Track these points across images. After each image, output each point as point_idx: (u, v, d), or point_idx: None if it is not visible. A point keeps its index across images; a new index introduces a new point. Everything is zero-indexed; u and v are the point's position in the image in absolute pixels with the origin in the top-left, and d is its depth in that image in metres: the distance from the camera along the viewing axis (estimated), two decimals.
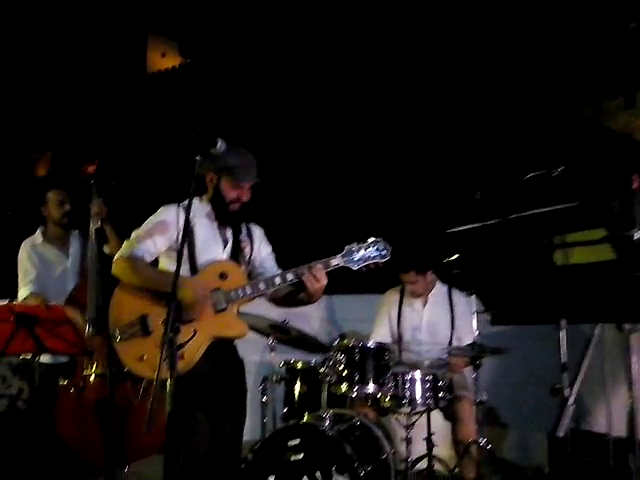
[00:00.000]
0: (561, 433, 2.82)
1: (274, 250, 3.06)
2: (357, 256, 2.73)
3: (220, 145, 2.51)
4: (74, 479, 4.09)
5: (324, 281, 2.71)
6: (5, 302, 3.12)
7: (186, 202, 2.81)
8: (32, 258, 4.04)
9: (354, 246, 2.74)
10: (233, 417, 2.83)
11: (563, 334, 2.89)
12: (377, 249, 2.74)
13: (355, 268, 2.74)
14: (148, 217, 2.87)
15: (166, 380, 2.23)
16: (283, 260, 3.00)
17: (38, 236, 4.12)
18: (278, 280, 2.74)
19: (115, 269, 2.75)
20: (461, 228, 2.48)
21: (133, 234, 2.84)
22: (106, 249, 4.01)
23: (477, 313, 2.89)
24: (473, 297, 3.56)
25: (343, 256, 2.73)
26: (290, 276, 2.73)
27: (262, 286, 2.73)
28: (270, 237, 3.07)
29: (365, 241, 2.76)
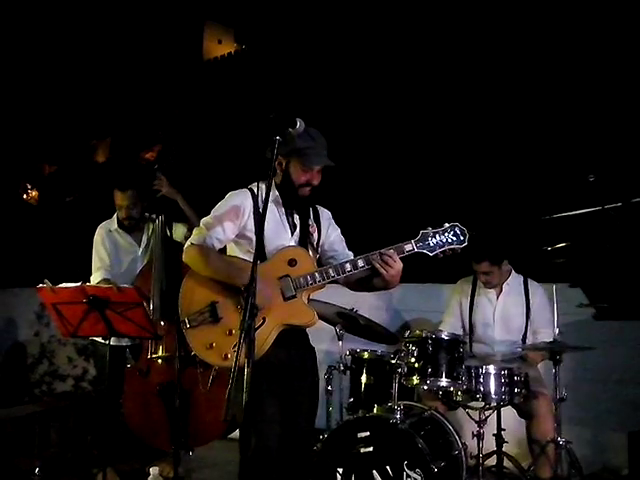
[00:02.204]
0: None
1: (348, 236, 2.94)
2: (433, 242, 2.58)
3: (299, 125, 2.41)
4: (137, 461, 4.13)
5: (398, 266, 2.58)
6: (77, 284, 3.12)
7: (254, 185, 2.77)
8: (105, 243, 4.07)
9: (429, 231, 2.60)
10: (306, 405, 2.76)
11: None
12: (454, 234, 2.58)
13: (431, 255, 2.59)
14: (211, 202, 2.82)
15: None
16: (357, 245, 2.88)
17: (114, 221, 4.15)
18: (348, 267, 2.63)
19: (186, 257, 2.72)
20: (570, 213, 2.30)
21: (202, 221, 2.79)
22: (179, 233, 4.00)
23: (581, 307, 2.70)
24: (554, 289, 3.36)
25: (417, 241, 2.58)
26: (361, 263, 2.62)
27: (332, 273, 2.63)
28: (345, 222, 2.96)
29: (441, 226, 2.61)
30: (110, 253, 4.05)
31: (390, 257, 2.56)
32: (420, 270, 4.76)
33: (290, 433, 2.67)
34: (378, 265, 2.57)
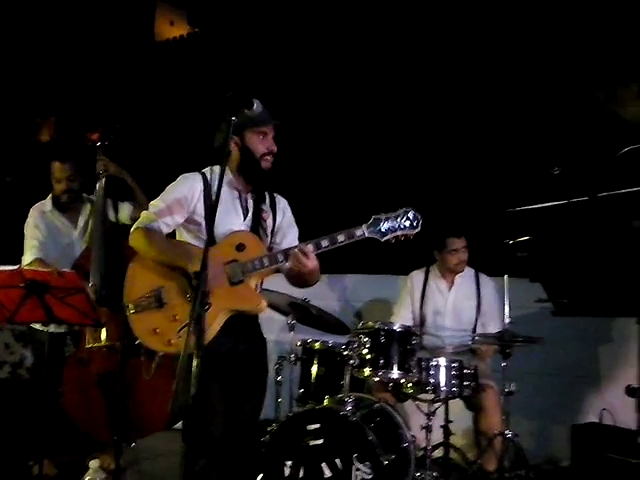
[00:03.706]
0: None
1: (304, 220, 2.87)
2: (385, 227, 2.50)
3: (256, 106, 2.32)
4: (76, 453, 3.98)
5: (312, 263, 2.50)
6: (14, 267, 2.94)
7: (206, 170, 2.68)
8: (39, 225, 3.86)
9: (382, 216, 2.52)
10: (252, 397, 2.71)
11: None
12: (407, 219, 2.51)
13: (382, 240, 2.51)
14: (163, 184, 2.72)
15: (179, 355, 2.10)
16: (312, 230, 2.80)
17: (48, 202, 3.94)
18: (297, 251, 2.53)
19: (132, 240, 2.63)
20: (533, 207, 2.28)
21: (150, 205, 2.69)
22: (124, 215, 3.85)
23: (540, 302, 2.70)
24: (506, 282, 3.38)
25: (368, 226, 2.51)
26: (311, 247, 2.53)
27: (280, 257, 2.55)
28: (301, 207, 2.88)
29: (395, 211, 2.54)
30: (45, 235, 3.84)
31: (304, 254, 2.48)
32: (372, 261, 4.75)
33: (234, 424, 2.61)
34: (290, 258, 2.50)
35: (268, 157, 2.65)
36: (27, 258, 3.76)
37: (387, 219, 2.52)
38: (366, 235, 2.51)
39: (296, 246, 2.54)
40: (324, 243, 2.51)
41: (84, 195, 3.99)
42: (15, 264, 3.12)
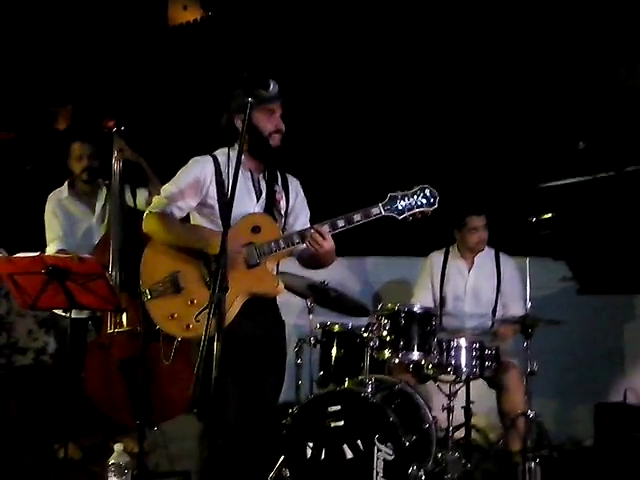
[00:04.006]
0: None
1: (318, 201, 2.84)
2: (401, 205, 2.47)
3: (273, 87, 2.29)
4: (100, 436, 4.03)
5: (328, 244, 2.47)
6: (36, 254, 2.96)
7: (218, 152, 2.66)
8: (57, 213, 3.89)
9: (398, 194, 2.49)
10: (270, 379, 2.69)
11: None
12: (424, 196, 2.48)
13: (399, 218, 2.48)
14: (172, 169, 2.71)
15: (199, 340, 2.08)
16: (327, 209, 2.77)
17: (64, 190, 3.96)
18: (313, 232, 2.51)
19: (145, 226, 2.61)
20: (557, 183, 2.22)
21: (162, 189, 2.68)
22: (141, 200, 3.85)
23: (564, 280, 2.66)
24: (527, 264, 3.34)
25: (385, 205, 2.47)
26: (327, 228, 2.51)
27: (296, 239, 2.52)
28: (315, 186, 2.85)
29: (411, 188, 2.50)
30: (63, 223, 3.86)
31: (320, 234, 2.46)
32: (392, 243, 4.72)
33: (252, 406, 2.61)
34: (307, 240, 2.47)
35: (276, 135, 2.61)
36: (50, 250, 3.79)
37: (404, 197, 2.49)
38: (383, 214, 2.48)
39: (312, 227, 2.52)
40: (340, 223, 2.48)
41: (100, 180, 4.00)
42: (36, 251, 3.13)
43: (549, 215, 2.49)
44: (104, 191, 3.98)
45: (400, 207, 2.48)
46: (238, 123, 2.62)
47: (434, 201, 2.49)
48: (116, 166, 3.80)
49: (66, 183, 3.97)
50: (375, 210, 2.48)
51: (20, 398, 4.66)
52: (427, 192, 2.49)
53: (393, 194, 2.50)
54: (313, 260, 2.66)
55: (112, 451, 3.05)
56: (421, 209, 2.48)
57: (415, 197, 2.48)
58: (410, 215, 2.49)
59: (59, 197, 3.94)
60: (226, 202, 2.55)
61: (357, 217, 2.48)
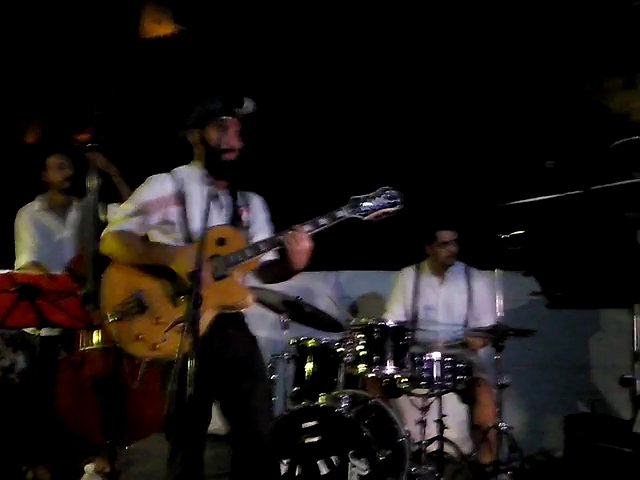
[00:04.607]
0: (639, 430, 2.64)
1: (280, 208, 2.85)
2: (365, 206, 2.50)
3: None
4: (70, 457, 3.96)
5: (305, 244, 2.45)
6: (5, 272, 2.92)
7: (176, 169, 2.65)
8: (29, 225, 3.85)
9: (360, 196, 2.52)
10: (255, 401, 2.59)
11: (638, 320, 2.68)
12: (386, 197, 2.51)
13: (364, 219, 2.50)
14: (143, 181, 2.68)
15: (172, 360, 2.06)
16: (290, 217, 2.77)
17: (36, 203, 3.93)
18: (280, 238, 2.50)
19: (104, 247, 2.55)
20: (527, 200, 2.27)
21: (120, 208, 2.66)
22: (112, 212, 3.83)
23: (534, 294, 2.71)
24: (496, 276, 3.40)
25: (348, 207, 2.50)
26: (308, 227, 2.49)
27: (263, 247, 2.51)
28: (277, 194, 2.85)
29: (373, 190, 2.54)
30: (34, 235, 3.82)
31: (299, 232, 2.45)
32: (364, 257, 4.75)
33: (245, 431, 2.55)
34: (286, 240, 2.45)
35: (230, 151, 2.58)
36: (21, 261, 3.75)
37: (366, 199, 2.52)
38: (347, 216, 2.49)
39: (292, 226, 2.49)
40: (307, 227, 2.48)
41: (71, 197, 3.98)
42: (4, 268, 3.09)
43: (519, 232, 2.55)
44: (74, 204, 3.96)
45: (363, 209, 2.50)
46: (193, 138, 2.64)
47: (397, 202, 2.52)
48: (91, 180, 3.78)
49: (38, 197, 3.95)
50: (340, 213, 2.50)
51: None
52: (389, 193, 2.53)
53: (355, 197, 2.53)
54: (282, 268, 2.60)
55: (83, 472, 3.01)
56: (385, 209, 2.51)
57: (378, 199, 2.52)
58: (374, 216, 2.51)
59: (31, 209, 3.91)
60: (186, 216, 2.56)
61: (323, 221, 2.48)
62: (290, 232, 2.46)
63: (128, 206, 2.59)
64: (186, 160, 2.72)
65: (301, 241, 2.45)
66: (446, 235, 3.95)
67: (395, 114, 5.03)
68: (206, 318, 2.45)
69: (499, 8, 4.88)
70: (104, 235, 2.56)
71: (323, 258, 2.95)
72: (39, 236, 3.84)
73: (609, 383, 3.90)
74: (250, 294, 2.55)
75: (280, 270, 2.64)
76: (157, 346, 2.42)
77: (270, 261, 2.67)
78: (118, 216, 2.61)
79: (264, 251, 2.52)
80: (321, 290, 4.65)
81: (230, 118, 2.54)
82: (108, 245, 2.54)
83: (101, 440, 3.58)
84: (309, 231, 2.48)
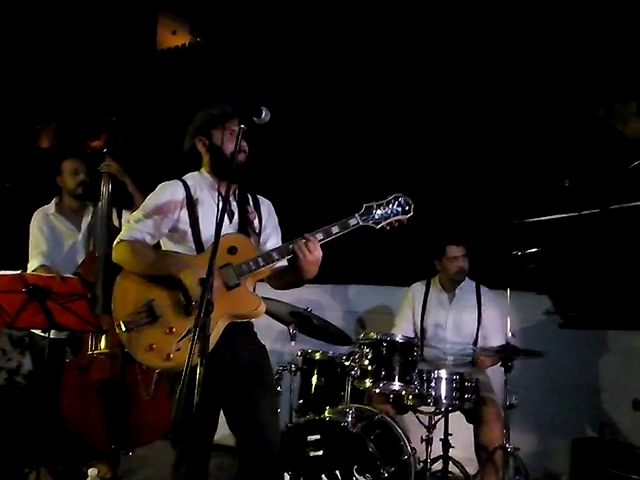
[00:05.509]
0: None
1: (291, 216, 2.84)
2: (377, 214, 2.49)
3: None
4: (73, 461, 3.95)
5: (317, 254, 2.44)
6: (17, 272, 2.93)
7: (187, 176, 2.66)
8: (43, 228, 3.87)
9: (373, 204, 2.51)
10: (262, 409, 2.58)
11: None
12: (399, 205, 2.51)
13: (377, 227, 2.50)
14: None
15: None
16: (301, 225, 2.76)
17: (51, 206, 3.95)
18: (292, 247, 2.48)
19: (116, 255, 2.54)
20: (543, 218, 2.27)
21: (131, 216, 2.64)
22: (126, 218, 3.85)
23: (547, 314, 2.69)
24: (508, 295, 3.38)
25: (361, 215, 2.49)
26: (320, 235, 2.48)
27: (275, 256, 2.49)
28: (287, 202, 2.84)
29: (385, 198, 2.53)
30: (48, 238, 3.84)
31: (311, 241, 2.44)
32: (375, 272, 4.74)
33: (253, 439, 2.53)
34: (297, 248, 2.43)
35: (239, 154, 2.52)
36: (32, 265, 3.76)
37: (379, 206, 2.51)
38: (360, 224, 2.49)
39: (304, 235, 2.48)
40: (319, 236, 2.47)
41: (86, 202, 4.00)
42: (16, 269, 3.10)
43: (534, 250, 2.54)
44: (90, 209, 3.98)
45: (377, 216, 2.50)
46: (199, 145, 2.65)
47: (409, 208, 2.52)
48: (105, 185, 3.82)
49: (53, 200, 3.97)
50: (353, 221, 2.49)
51: None
52: (401, 200, 2.53)
53: (368, 204, 2.52)
54: (292, 275, 2.58)
55: (85, 476, 3.00)
56: (397, 217, 2.51)
57: (390, 206, 2.52)
58: (387, 224, 2.51)
59: (46, 212, 3.93)
60: (197, 225, 2.55)
61: (335, 229, 2.48)
62: (302, 241, 2.45)
63: (140, 214, 2.59)
64: (196, 167, 2.73)
65: (313, 250, 2.44)
66: (455, 250, 3.94)
67: (410, 127, 5.04)
68: (218, 328, 2.44)
69: (520, 33, 4.92)
70: (116, 244, 2.56)
71: (332, 271, 2.94)
72: (52, 240, 3.86)
73: (619, 407, 3.85)
74: (263, 303, 2.53)
75: (290, 277, 2.62)
76: (171, 356, 2.39)
77: (280, 268, 2.66)
78: (130, 224, 2.60)
79: (276, 260, 2.50)
80: (330, 303, 4.64)
81: (235, 122, 2.52)
82: (120, 254, 2.54)
83: (105, 445, 3.58)
84: (321, 240, 2.47)
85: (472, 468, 3.78)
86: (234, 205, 2.68)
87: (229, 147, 2.56)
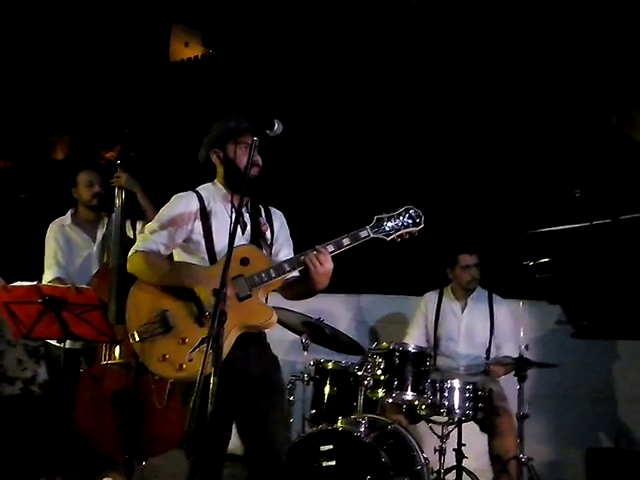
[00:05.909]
0: None
1: (302, 228, 2.85)
2: (388, 226, 2.50)
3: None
4: (87, 470, 3.97)
5: (328, 266, 2.46)
6: (33, 283, 2.97)
7: (201, 188, 2.69)
8: (59, 240, 3.91)
9: (384, 216, 2.52)
10: (272, 420, 2.60)
11: None
12: (409, 217, 2.52)
13: (388, 239, 2.50)
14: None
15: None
16: (313, 237, 2.77)
17: (67, 217, 3.99)
18: (303, 259, 2.49)
19: (130, 266, 2.57)
20: (554, 228, 2.26)
21: (146, 227, 2.68)
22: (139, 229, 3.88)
23: (559, 324, 2.69)
24: (521, 306, 3.37)
25: (372, 227, 2.49)
26: (331, 247, 2.49)
27: (287, 267, 2.51)
28: (299, 214, 2.86)
29: (395, 210, 2.54)
30: (63, 250, 3.87)
31: (322, 253, 2.45)
32: (387, 281, 4.75)
33: (262, 450, 2.55)
34: (308, 260, 2.44)
35: (252, 168, 2.56)
36: (48, 276, 3.79)
37: (390, 218, 2.52)
38: (371, 236, 2.49)
39: (315, 247, 2.49)
40: (330, 248, 2.48)
41: (101, 213, 4.04)
42: (31, 280, 3.14)
43: (546, 259, 2.53)
44: (105, 220, 4.02)
45: (387, 228, 2.50)
46: (214, 157, 2.68)
47: (420, 221, 2.53)
48: (118, 197, 3.86)
49: (69, 212, 4.02)
50: (364, 233, 2.50)
51: (6, 429, 4.58)
52: (412, 212, 2.53)
53: (379, 216, 2.53)
54: (303, 286, 2.60)
55: None
56: (408, 229, 2.51)
57: (401, 218, 2.52)
58: (398, 236, 2.51)
59: (62, 224, 3.97)
60: (210, 236, 2.58)
61: (346, 241, 2.48)
62: (313, 252, 2.47)
63: (155, 225, 2.62)
64: (210, 178, 2.76)
65: (324, 262, 2.45)
66: (468, 259, 3.93)
67: (424, 139, 5.07)
68: (230, 338, 2.45)
69: (534, 42, 4.94)
70: (131, 254, 2.59)
71: (345, 281, 2.95)
72: (67, 251, 3.90)
73: (635, 416, 3.82)
74: (274, 314, 2.55)
75: (301, 288, 2.64)
76: (183, 366, 2.41)
77: (292, 279, 2.67)
78: (145, 235, 2.63)
79: (288, 271, 2.52)
80: (342, 313, 4.64)
81: (248, 135, 2.53)
82: (135, 265, 2.56)
83: (118, 455, 3.59)
84: (332, 252, 2.49)
85: (485, 479, 3.76)
86: (247, 217, 2.70)
87: (243, 161, 2.56)
